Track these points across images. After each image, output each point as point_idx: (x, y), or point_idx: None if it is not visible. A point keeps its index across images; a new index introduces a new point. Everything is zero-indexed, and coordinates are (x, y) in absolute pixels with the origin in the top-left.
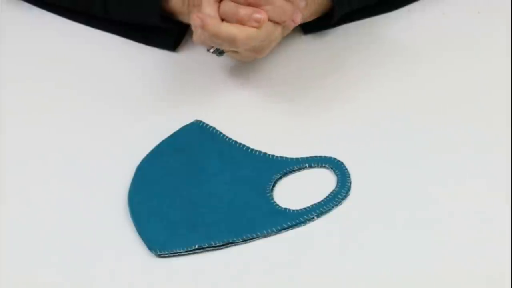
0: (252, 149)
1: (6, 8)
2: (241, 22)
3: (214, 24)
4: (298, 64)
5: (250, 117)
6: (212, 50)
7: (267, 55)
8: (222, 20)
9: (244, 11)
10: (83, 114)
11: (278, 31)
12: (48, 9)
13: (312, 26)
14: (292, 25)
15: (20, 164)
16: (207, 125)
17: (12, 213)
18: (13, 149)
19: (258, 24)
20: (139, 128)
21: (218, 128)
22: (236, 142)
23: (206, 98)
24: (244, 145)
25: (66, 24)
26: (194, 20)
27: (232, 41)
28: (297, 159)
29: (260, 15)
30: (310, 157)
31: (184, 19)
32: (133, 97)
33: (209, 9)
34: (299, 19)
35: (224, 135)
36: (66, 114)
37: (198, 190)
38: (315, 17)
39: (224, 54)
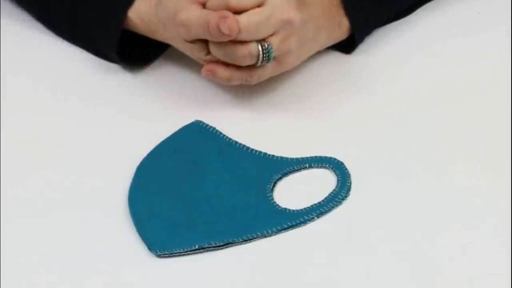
0: (252, 149)
1: (6, 8)
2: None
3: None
4: (298, 65)
5: (250, 117)
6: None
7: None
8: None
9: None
10: (83, 114)
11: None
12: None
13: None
14: None
15: (20, 165)
16: (207, 125)
17: (12, 213)
18: (13, 150)
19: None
20: (139, 128)
21: (218, 128)
22: (236, 142)
23: (206, 98)
24: (244, 145)
25: None
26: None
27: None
28: (297, 159)
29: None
30: (310, 157)
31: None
32: (133, 97)
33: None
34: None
35: (224, 135)
36: (66, 114)
37: (198, 190)
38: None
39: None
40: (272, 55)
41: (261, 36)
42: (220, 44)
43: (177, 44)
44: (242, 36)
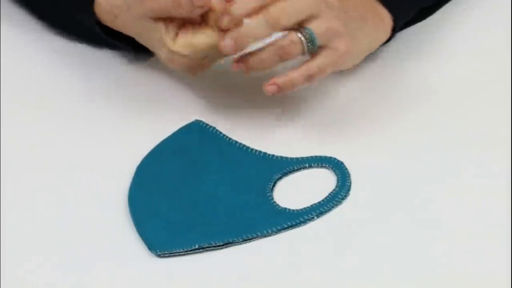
0: (252, 149)
1: (6, 8)
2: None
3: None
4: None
5: (250, 117)
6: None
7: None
8: None
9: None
10: (84, 113)
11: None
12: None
13: None
14: None
15: (20, 164)
16: (207, 125)
17: (12, 213)
18: (13, 149)
19: None
20: (139, 128)
21: (218, 128)
22: (236, 142)
23: (206, 98)
24: (244, 145)
25: None
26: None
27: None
28: (297, 159)
29: None
30: (310, 157)
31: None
32: (133, 97)
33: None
34: None
35: (224, 135)
36: (67, 114)
37: (198, 190)
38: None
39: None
40: (315, 37)
41: (293, 19)
42: (266, 47)
43: (138, 27)
44: (274, 22)
